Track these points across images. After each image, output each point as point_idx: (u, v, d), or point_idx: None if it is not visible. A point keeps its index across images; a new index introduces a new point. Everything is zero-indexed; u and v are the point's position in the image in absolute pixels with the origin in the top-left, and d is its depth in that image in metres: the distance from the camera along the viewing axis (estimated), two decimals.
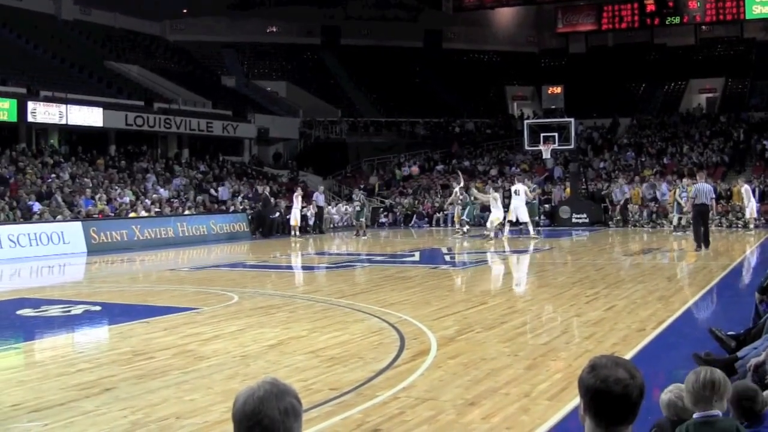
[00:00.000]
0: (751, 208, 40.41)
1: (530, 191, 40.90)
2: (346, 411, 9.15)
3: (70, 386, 10.57)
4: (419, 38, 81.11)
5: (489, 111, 73.68)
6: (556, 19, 77.05)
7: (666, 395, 6.26)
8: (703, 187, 29.47)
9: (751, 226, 40.59)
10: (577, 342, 13.17)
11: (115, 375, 11.20)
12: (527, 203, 38.58)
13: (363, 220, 43.11)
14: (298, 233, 41.46)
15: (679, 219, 39.93)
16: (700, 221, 29.59)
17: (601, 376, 3.72)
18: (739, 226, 41.80)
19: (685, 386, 5.73)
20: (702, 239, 29.33)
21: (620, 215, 46.20)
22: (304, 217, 44.46)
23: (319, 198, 46.73)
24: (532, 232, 37.09)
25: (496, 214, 37.70)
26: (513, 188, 39.64)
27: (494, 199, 37.72)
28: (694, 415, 5.55)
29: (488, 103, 75.04)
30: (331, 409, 9.21)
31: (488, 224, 37.97)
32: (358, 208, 42.87)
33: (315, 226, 46.07)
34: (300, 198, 41.91)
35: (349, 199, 54.83)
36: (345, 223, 50.60)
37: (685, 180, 40.39)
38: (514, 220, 38.68)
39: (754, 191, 43.28)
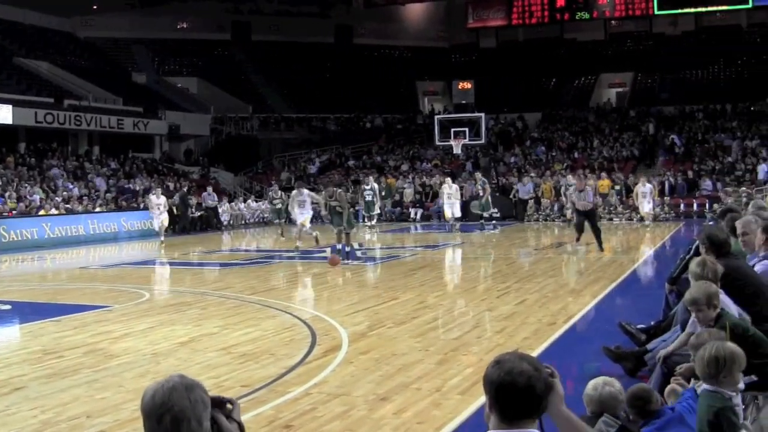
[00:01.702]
0: (649, 206, 41.00)
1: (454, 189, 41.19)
2: (257, 408, 9.21)
3: None
4: (330, 34, 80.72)
5: (400, 106, 73.80)
6: (466, 15, 77.48)
7: (605, 388, 6.21)
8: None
9: (647, 221, 41.17)
10: (489, 336, 13.30)
11: (25, 374, 11.13)
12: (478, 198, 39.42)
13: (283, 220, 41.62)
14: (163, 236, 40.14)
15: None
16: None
17: (506, 368, 3.79)
18: (644, 220, 42.12)
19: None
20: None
21: (520, 210, 46.83)
22: (216, 211, 44.52)
23: (208, 199, 46.18)
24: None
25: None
26: (447, 189, 40.44)
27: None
28: (703, 385, 5.66)
29: (399, 98, 75.05)
30: (243, 406, 9.11)
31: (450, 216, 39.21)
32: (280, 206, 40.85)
33: (207, 221, 45.57)
34: (161, 202, 40.99)
35: (260, 196, 54.58)
36: (256, 220, 50.35)
37: (569, 177, 40.72)
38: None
39: (663, 183, 44.10)
